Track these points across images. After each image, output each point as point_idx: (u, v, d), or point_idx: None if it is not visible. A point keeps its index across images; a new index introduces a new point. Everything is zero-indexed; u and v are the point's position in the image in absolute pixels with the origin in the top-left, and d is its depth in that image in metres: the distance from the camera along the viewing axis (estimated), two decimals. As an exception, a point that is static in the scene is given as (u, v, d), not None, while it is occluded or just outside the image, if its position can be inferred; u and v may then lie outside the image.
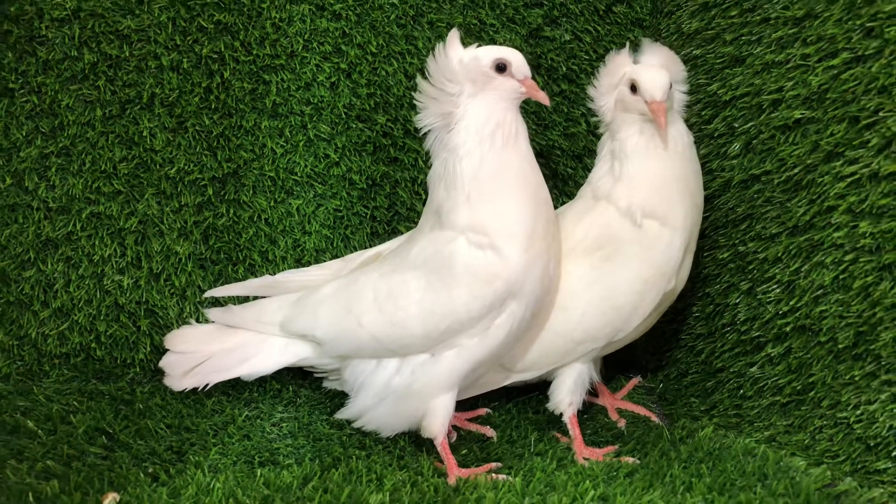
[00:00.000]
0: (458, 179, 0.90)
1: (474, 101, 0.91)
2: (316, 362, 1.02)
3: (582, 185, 1.08)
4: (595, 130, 1.23)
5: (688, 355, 1.16)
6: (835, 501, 0.79)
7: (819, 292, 0.92)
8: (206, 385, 1.03)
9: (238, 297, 1.13)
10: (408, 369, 0.93)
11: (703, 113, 1.13)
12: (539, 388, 1.08)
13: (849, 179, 0.89)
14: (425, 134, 0.95)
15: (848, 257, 0.89)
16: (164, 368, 1.04)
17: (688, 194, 0.99)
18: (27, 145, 1.10)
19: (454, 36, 0.93)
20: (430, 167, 1.15)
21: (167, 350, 1.06)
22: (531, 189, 0.91)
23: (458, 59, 0.92)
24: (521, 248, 0.89)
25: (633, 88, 0.98)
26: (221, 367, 1.02)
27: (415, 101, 0.94)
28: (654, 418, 1.08)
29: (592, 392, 1.10)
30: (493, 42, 1.18)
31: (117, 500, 0.80)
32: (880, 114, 0.86)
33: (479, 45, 0.94)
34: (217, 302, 1.14)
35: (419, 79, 0.93)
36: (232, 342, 1.03)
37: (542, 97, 0.93)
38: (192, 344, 1.05)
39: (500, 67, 0.92)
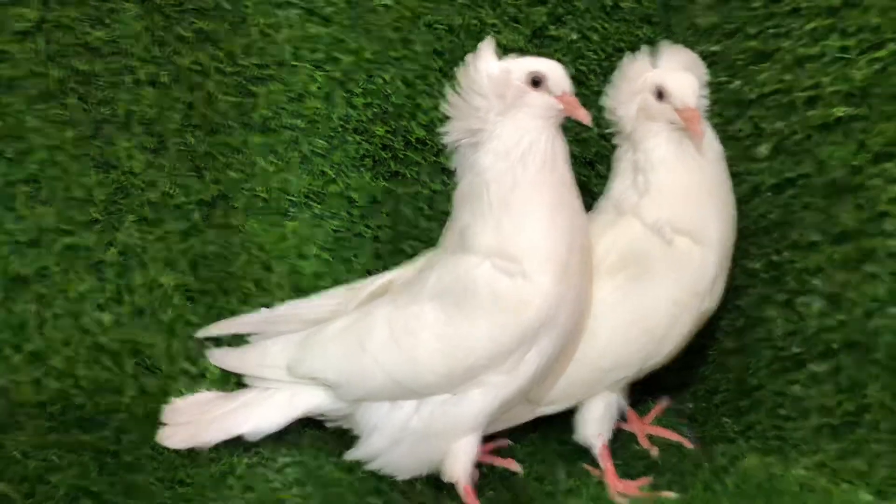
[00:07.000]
0: (486, 204, 0.84)
1: (504, 119, 0.85)
2: (327, 409, 0.96)
3: (595, 192, 1.03)
4: (606, 135, 1.19)
5: (716, 372, 1.11)
6: (915, 543, 0.74)
7: (872, 305, 0.87)
8: (207, 444, 0.97)
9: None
10: (427, 410, 0.87)
11: (724, 113, 1.08)
12: (561, 414, 1.02)
13: (903, 182, 0.85)
14: (439, 148, 0.92)
15: (906, 268, 0.85)
16: (161, 442, 0.98)
17: (721, 207, 0.94)
18: (-10, 173, 1.04)
19: (487, 46, 0.87)
20: (434, 181, 1.12)
21: (164, 424, 1.00)
22: (568, 216, 0.85)
23: (486, 71, 0.85)
24: (554, 278, 0.82)
25: (660, 95, 0.93)
26: (223, 429, 0.96)
27: (444, 114, 0.89)
28: (688, 444, 1.04)
29: (621, 417, 1.04)
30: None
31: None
32: (937, 110, 0.82)
33: (519, 56, 0.88)
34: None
35: (448, 90, 0.88)
36: (234, 404, 0.98)
37: (583, 116, 0.86)
38: (191, 415, 0.99)
39: (535, 81, 0.85)
